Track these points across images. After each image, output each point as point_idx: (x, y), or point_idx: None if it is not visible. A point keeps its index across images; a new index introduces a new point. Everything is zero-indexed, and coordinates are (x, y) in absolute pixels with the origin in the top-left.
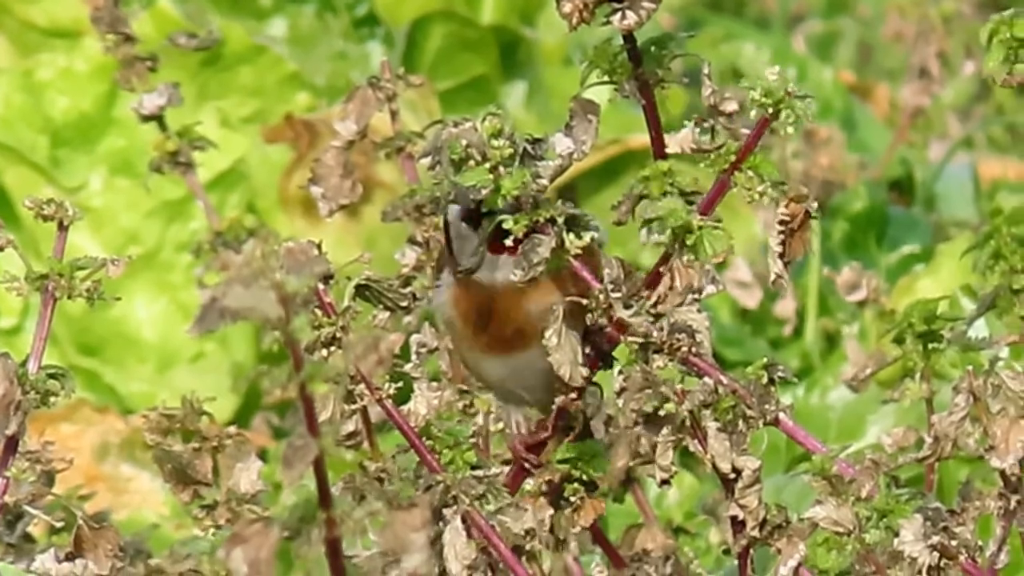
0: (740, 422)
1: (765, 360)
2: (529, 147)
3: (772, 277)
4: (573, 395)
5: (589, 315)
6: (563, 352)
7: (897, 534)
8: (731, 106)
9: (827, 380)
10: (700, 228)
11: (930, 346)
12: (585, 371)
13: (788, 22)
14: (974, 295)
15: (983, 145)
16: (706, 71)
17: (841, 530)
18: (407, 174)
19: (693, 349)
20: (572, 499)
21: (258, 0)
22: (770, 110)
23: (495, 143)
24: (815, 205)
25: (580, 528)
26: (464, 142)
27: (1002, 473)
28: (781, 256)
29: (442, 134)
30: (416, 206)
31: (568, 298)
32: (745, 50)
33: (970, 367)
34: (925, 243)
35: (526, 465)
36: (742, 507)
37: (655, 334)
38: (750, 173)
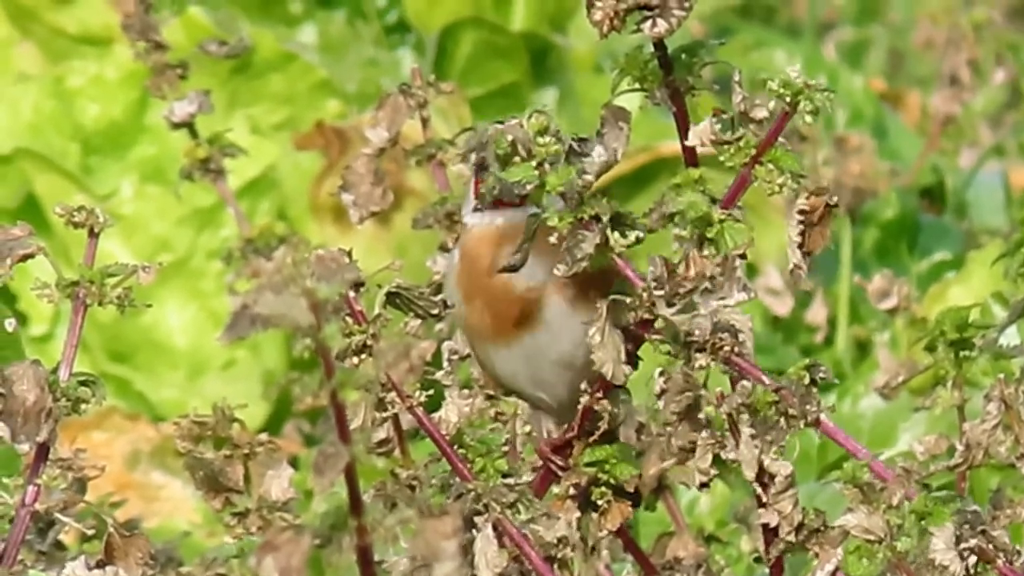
0: (781, 421)
1: (807, 361)
2: (575, 144)
3: (790, 267)
4: (599, 394)
5: (631, 313)
6: (606, 350)
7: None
8: (761, 113)
9: (858, 388)
10: (721, 221)
11: (962, 354)
12: (628, 369)
13: (819, 30)
14: (1005, 302)
15: (1014, 153)
16: (737, 78)
17: (872, 538)
18: (438, 181)
19: (736, 349)
20: (599, 502)
21: (289, 7)
22: (788, 100)
23: (541, 139)
24: (835, 199)
25: (607, 532)
26: (510, 138)
27: None
28: (800, 247)
29: (488, 130)
30: (447, 213)
31: (611, 295)
32: (776, 57)
33: (1002, 375)
34: (956, 251)
35: (553, 468)
36: (777, 512)
37: (697, 332)
38: (771, 166)
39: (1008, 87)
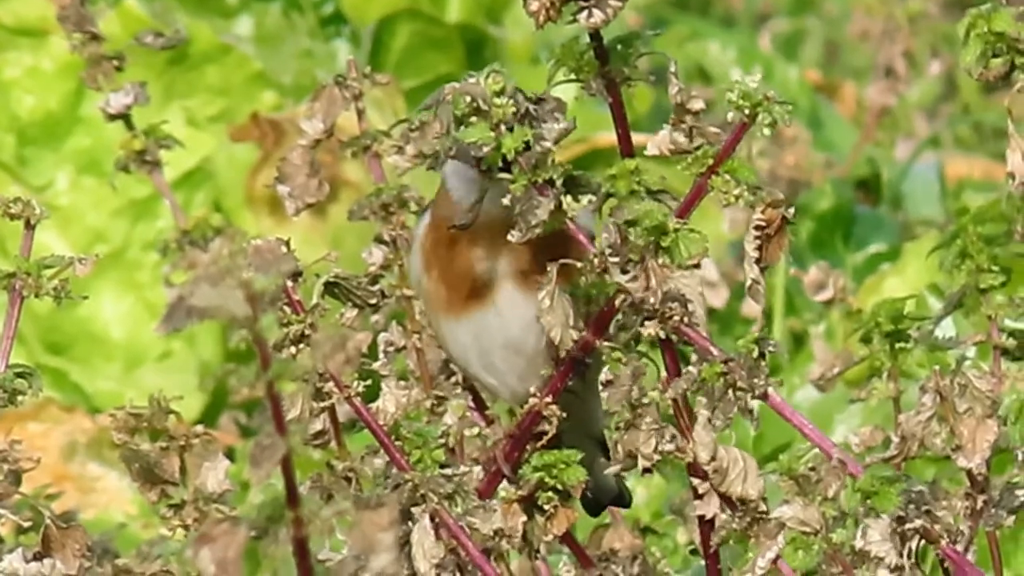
0: (729, 393)
1: (756, 335)
2: (532, 107)
3: (748, 283)
4: (548, 399)
5: (582, 279)
6: (555, 314)
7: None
8: (697, 104)
9: (794, 379)
10: (676, 231)
11: (897, 345)
12: (575, 334)
13: (754, 21)
14: (941, 294)
15: (949, 144)
16: (672, 69)
17: (808, 530)
18: (373, 173)
19: (685, 319)
20: (546, 507)
21: None
22: (747, 113)
23: (498, 101)
24: (792, 211)
25: (553, 536)
26: (468, 98)
27: (968, 472)
28: (757, 262)
29: (444, 89)
30: (382, 204)
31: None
32: (711, 49)
33: (937, 367)
34: (892, 242)
35: (503, 472)
36: (721, 495)
37: (650, 301)
38: (727, 177)
39: (943, 79)
